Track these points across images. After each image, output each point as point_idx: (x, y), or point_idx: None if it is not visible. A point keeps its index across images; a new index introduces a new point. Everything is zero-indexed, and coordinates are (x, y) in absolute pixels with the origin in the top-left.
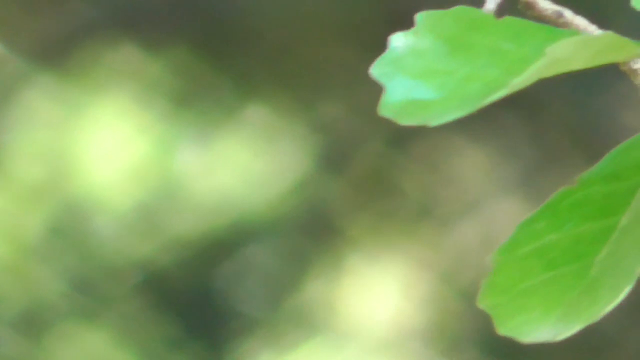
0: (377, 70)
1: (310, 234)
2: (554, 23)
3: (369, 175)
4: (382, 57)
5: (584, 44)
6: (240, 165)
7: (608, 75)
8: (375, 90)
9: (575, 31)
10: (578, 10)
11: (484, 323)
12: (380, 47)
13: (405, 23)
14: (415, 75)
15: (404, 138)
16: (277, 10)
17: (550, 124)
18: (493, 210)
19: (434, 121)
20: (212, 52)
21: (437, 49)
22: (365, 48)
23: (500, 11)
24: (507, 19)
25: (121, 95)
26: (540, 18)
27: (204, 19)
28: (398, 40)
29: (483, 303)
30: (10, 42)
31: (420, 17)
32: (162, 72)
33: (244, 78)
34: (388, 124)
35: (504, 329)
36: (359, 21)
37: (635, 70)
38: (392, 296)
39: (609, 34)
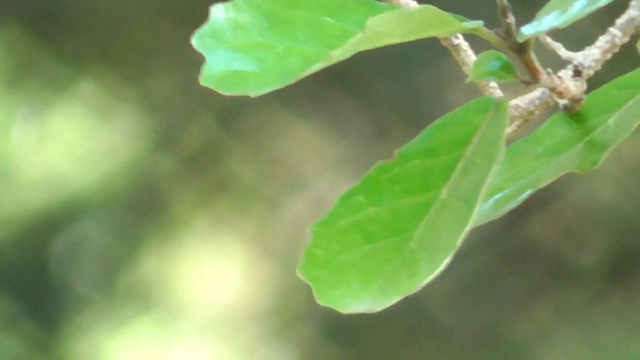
0: (198, 41)
1: (142, 211)
2: None
3: (199, 153)
4: (203, 29)
5: (403, 17)
6: (72, 143)
7: (434, 51)
8: None
9: (397, 6)
10: None
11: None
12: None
13: None
14: (236, 47)
15: (233, 115)
16: None
17: (377, 100)
18: (323, 186)
19: (254, 92)
20: (43, 30)
21: (258, 23)
22: (194, 25)
23: None
24: None
25: None
26: None
27: None
28: (218, 12)
29: (304, 274)
30: None
31: None
32: None
33: (75, 56)
34: (218, 101)
35: (323, 300)
36: None
37: (456, 46)
38: (225, 274)
39: (428, 7)
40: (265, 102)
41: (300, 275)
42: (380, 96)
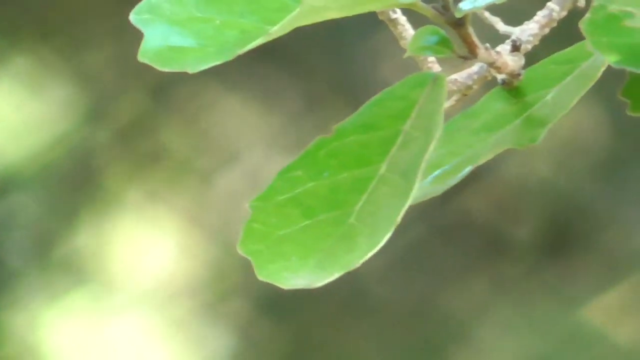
0: (136, 16)
1: (75, 184)
2: None
3: (132, 126)
4: (141, 3)
5: None
6: (3, 116)
7: (371, 24)
8: (139, 40)
9: None
10: None
11: (252, 275)
12: None
13: None
14: (173, 21)
15: (166, 88)
16: None
17: (311, 73)
18: (256, 160)
19: (192, 68)
20: None
21: None
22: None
23: None
24: None
25: None
26: None
27: None
28: None
29: (243, 249)
30: None
31: None
32: None
33: (7, 29)
34: (150, 74)
35: (262, 274)
36: None
37: (393, 20)
38: (159, 247)
39: None
40: (197, 74)
41: (239, 250)
42: (314, 69)
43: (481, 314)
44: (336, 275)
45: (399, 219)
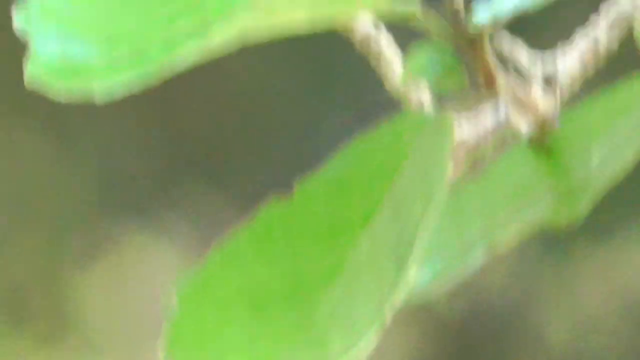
0: (20, 16)
1: None
2: None
3: None
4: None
5: None
6: None
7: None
8: None
9: None
10: None
11: None
12: None
13: None
14: (73, 23)
15: None
16: None
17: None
18: None
19: (99, 88)
20: None
21: None
22: None
23: None
24: None
25: None
26: None
27: None
28: None
29: (169, 355)
30: None
31: None
32: None
33: None
34: None
35: None
36: None
37: (376, 54)
38: None
39: None
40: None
41: (164, 358)
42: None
43: None
44: None
45: (385, 318)
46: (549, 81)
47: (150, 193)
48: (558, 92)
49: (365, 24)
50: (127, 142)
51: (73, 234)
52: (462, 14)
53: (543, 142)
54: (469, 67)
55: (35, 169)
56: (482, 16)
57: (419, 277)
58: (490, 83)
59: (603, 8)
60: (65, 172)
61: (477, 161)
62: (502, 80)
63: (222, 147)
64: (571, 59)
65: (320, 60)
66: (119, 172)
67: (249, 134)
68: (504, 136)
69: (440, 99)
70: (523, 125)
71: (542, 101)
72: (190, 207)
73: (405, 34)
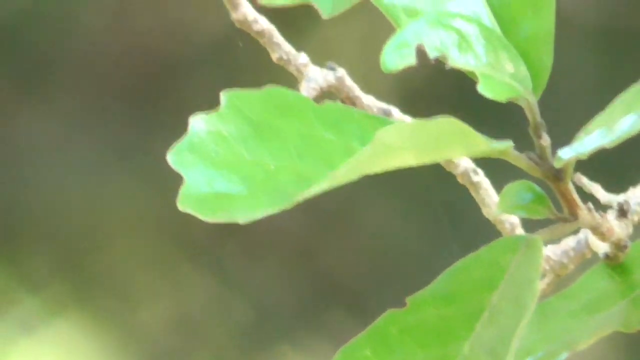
0: (174, 157)
1: None
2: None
3: None
4: (180, 142)
5: (419, 128)
6: None
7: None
8: None
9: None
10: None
11: None
12: None
13: None
14: (219, 164)
15: None
16: None
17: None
18: None
19: (242, 217)
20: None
21: (244, 135)
22: None
23: (320, 97)
24: (327, 104)
25: None
26: (325, 92)
27: None
28: (198, 123)
29: None
30: None
31: (225, 96)
32: None
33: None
34: None
35: None
36: None
37: (475, 184)
38: None
39: (449, 118)
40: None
41: None
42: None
43: None
44: None
45: None
46: (622, 209)
47: (297, 320)
48: (630, 218)
49: (464, 159)
50: (278, 279)
51: (233, 356)
52: (549, 150)
53: (618, 261)
54: (554, 197)
55: (200, 300)
56: (566, 152)
57: None
58: (572, 211)
59: None
60: (226, 304)
61: (561, 277)
62: (582, 209)
63: (357, 281)
64: None
65: (433, 205)
66: (271, 304)
67: (377, 269)
68: (584, 255)
69: (529, 223)
70: (601, 247)
71: (617, 226)
72: (332, 331)
73: (498, 166)
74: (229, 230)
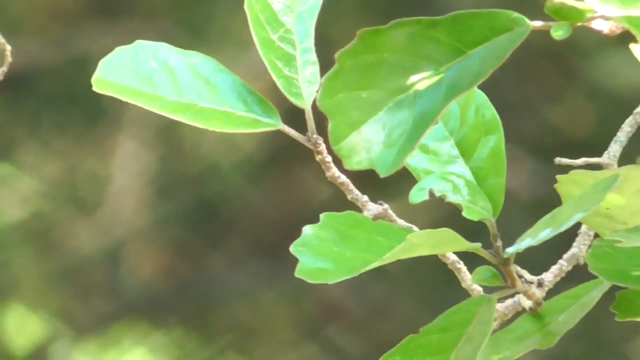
0: (295, 248)
1: None
2: (382, 217)
3: None
4: (298, 240)
5: (431, 235)
6: None
7: None
8: None
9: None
10: None
11: None
12: None
13: None
14: (319, 253)
15: None
16: None
17: None
18: None
19: (331, 280)
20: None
21: (333, 237)
22: None
23: (376, 217)
24: (380, 222)
25: None
26: (378, 216)
27: None
28: (308, 230)
29: None
30: None
31: (322, 216)
32: None
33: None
34: None
35: None
36: None
37: (457, 268)
38: None
39: (447, 230)
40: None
41: None
42: None
43: None
44: None
45: None
46: (540, 283)
47: None
48: (543, 288)
49: (452, 254)
50: None
51: None
52: (501, 248)
53: (537, 312)
54: (503, 274)
55: None
56: (510, 250)
57: None
58: (513, 283)
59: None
60: None
61: (504, 321)
62: (518, 282)
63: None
64: (548, 275)
65: (437, 283)
66: None
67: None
68: (517, 309)
69: (488, 289)
70: (527, 304)
71: (537, 292)
72: None
73: (472, 256)
74: None
